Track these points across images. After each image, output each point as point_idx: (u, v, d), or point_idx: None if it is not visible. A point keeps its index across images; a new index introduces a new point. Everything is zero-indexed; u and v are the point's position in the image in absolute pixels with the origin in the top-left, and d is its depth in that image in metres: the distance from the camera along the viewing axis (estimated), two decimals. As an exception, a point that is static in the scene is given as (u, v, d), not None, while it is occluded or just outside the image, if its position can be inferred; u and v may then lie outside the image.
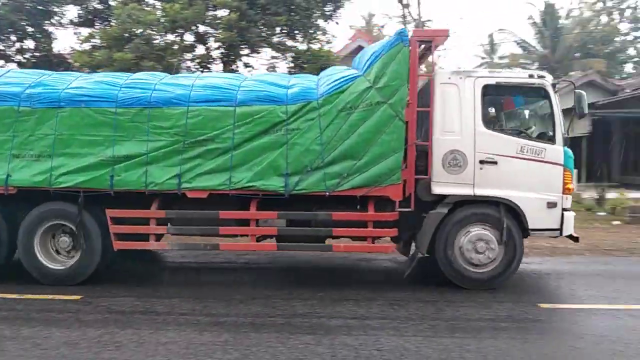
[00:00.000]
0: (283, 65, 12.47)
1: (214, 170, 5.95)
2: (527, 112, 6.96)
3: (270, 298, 5.65)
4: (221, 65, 11.99)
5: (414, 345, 4.35)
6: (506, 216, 5.95)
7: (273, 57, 12.52)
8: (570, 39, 27.44)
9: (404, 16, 18.17)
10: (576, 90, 6.31)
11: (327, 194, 5.94)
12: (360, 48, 17.22)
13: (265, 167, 5.92)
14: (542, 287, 6.66)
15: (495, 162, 6.00)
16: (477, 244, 5.97)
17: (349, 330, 4.69)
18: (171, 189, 5.95)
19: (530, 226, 6.05)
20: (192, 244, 6.88)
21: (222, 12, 11.37)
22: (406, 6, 17.85)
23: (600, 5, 31.35)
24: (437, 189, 6.04)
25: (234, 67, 11.99)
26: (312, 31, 12.20)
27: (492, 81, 6.17)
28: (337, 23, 12.89)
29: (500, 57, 33.08)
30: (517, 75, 6.60)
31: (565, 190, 6.10)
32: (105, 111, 5.96)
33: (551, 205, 6.05)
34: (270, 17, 11.24)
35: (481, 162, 6.00)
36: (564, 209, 6.10)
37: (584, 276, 7.17)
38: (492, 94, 6.28)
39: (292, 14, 11.59)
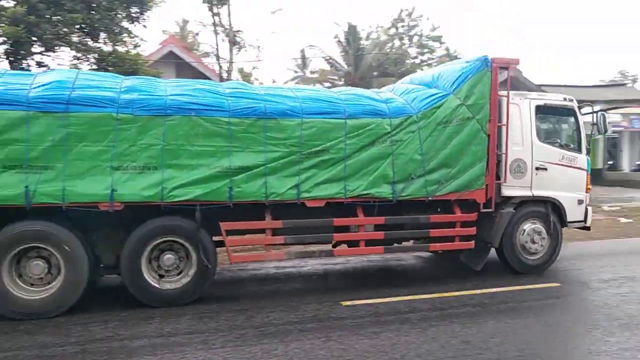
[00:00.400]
0: (85, 67, 11.43)
1: (330, 179, 6.24)
2: (562, 128, 8.46)
3: (64, 324, 5.08)
4: (7, 62, 10.49)
5: (221, 357, 4.30)
6: (552, 212, 7.42)
7: (75, 58, 11.41)
8: (370, 58, 29.71)
9: (215, 24, 18.00)
10: (599, 112, 7.85)
11: (428, 198, 6.64)
12: (171, 53, 16.75)
13: (377, 176, 6.40)
14: (344, 285, 7.12)
15: (546, 169, 7.44)
16: (534, 235, 7.34)
17: (153, 350, 4.45)
18: (291, 198, 6.06)
19: (568, 219, 7.64)
20: (308, 251, 6.94)
21: (7, 3, 10.01)
22: (217, 15, 17.72)
23: (393, 30, 34.71)
24: (506, 192, 7.22)
25: (24, 65, 10.59)
26: (116, 32, 11.42)
27: (542, 102, 7.57)
28: (144, 26, 12.25)
29: (312, 72, 34.67)
30: (557, 98, 7.88)
31: (587, 190, 7.78)
32: (218, 121, 5.75)
33: (580, 202, 7.76)
34: (65, 13, 10.20)
35: (536, 168, 7.37)
36: (587, 205, 7.81)
37: (383, 269, 7.93)
38: (541, 113, 7.60)
39: (92, 12, 10.71)
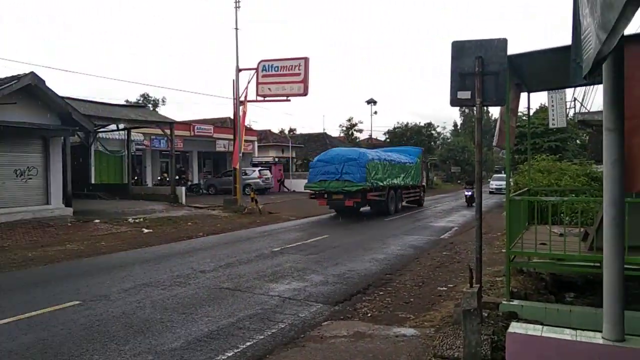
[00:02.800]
0: None
1: (404, 179, 25.27)
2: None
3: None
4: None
5: None
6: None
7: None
8: None
9: None
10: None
11: (416, 185, 26.82)
12: None
13: (410, 178, 25.79)
14: None
15: (423, 177, 30.48)
16: (422, 193, 29.00)
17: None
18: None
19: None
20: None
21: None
22: None
23: None
24: (422, 183, 28.75)
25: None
26: None
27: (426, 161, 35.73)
28: None
29: None
30: (428, 159, 45.49)
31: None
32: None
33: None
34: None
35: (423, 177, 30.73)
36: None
37: None
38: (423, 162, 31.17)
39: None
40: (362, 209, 22.16)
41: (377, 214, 21.65)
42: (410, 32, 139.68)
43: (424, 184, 29.07)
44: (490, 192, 36.82)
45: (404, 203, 25.02)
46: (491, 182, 40.33)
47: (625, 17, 2.46)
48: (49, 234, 14.70)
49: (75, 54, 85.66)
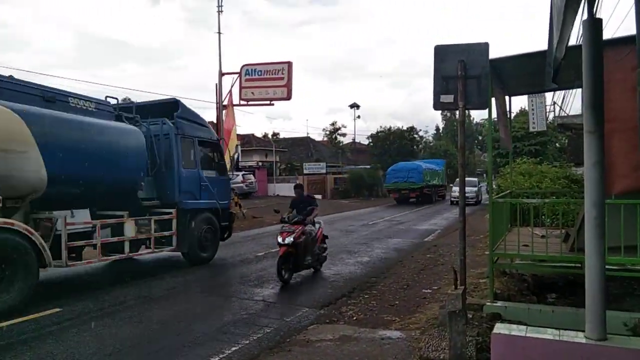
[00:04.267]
0: None
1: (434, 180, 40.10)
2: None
3: None
4: None
5: None
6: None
7: None
8: None
9: None
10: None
11: (440, 184, 41.21)
12: None
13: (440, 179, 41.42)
14: None
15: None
16: None
17: None
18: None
19: None
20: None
21: None
22: None
23: None
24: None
25: None
26: None
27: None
28: None
29: None
30: None
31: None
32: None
33: None
34: None
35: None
36: None
37: None
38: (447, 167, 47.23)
39: None
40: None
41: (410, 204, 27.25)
42: (399, 32, 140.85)
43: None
44: (452, 203, 31.29)
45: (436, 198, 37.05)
46: (454, 188, 31.27)
47: (565, 22, 2.53)
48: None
49: (54, 57, 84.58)
